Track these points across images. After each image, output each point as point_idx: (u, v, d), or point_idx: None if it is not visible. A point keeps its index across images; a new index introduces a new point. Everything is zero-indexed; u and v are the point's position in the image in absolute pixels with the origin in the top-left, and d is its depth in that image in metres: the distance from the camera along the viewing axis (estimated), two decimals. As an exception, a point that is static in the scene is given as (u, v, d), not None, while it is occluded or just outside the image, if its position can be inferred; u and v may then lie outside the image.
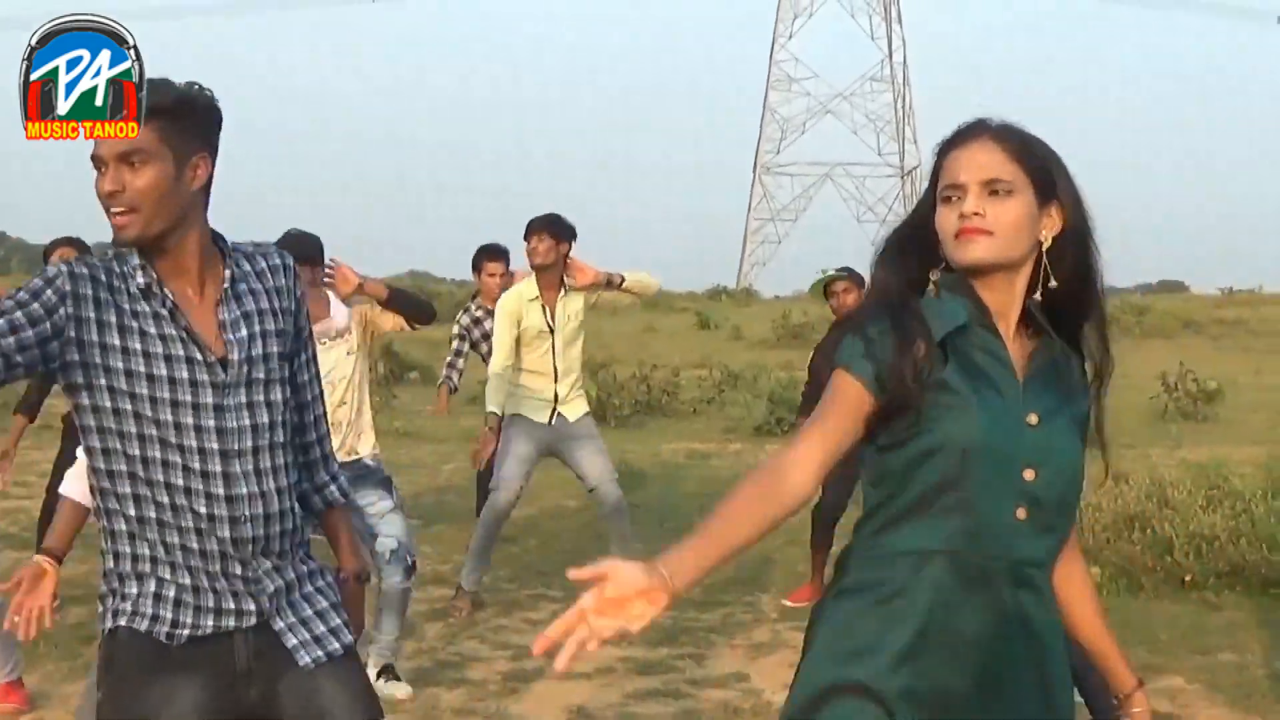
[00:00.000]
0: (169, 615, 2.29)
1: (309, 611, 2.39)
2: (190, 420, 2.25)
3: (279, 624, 2.35)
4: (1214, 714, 4.85)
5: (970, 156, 1.99)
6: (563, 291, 6.19)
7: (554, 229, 6.15)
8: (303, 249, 4.97)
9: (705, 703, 4.88)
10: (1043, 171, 2.01)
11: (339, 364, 4.96)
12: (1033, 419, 1.98)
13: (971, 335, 2.00)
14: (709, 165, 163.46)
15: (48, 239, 5.82)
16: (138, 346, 2.24)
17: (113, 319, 2.23)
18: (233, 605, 2.31)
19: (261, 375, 2.31)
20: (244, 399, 2.29)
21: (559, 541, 7.72)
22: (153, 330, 2.25)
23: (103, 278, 2.25)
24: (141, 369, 2.24)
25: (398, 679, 4.94)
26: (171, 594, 2.29)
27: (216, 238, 2.35)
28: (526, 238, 6.22)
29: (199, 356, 2.26)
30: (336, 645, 2.39)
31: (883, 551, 1.98)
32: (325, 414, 2.54)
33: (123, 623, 2.30)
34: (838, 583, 2.04)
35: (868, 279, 2.12)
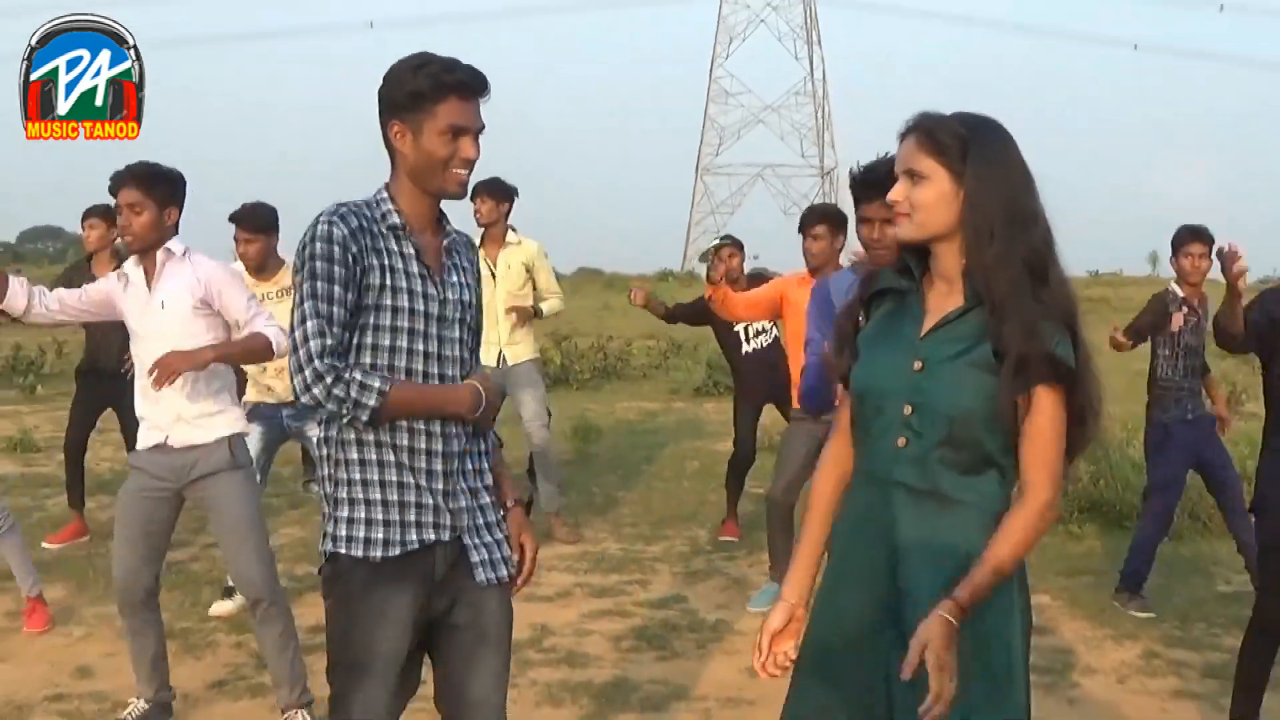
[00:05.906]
0: (379, 537, 2.35)
1: (489, 537, 2.48)
2: (423, 345, 2.39)
3: (468, 540, 2.44)
4: (1074, 626, 5.13)
5: (900, 150, 2.13)
6: (505, 245, 6.43)
7: (495, 192, 6.38)
8: (258, 219, 5.13)
9: (649, 621, 5.13)
10: (954, 155, 2.05)
11: (289, 317, 5.19)
12: (918, 365, 2.08)
13: (892, 296, 2.18)
14: (658, 167, 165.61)
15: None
16: (402, 284, 2.36)
17: (378, 262, 2.34)
18: (432, 519, 2.38)
19: (459, 315, 2.48)
20: (454, 333, 2.45)
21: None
22: (401, 267, 2.37)
23: (363, 224, 2.33)
24: (405, 302, 2.36)
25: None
26: (380, 515, 2.36)
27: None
28: (472, 199, 6.29)
29: (433, 292, 2.42)
30: (505, 572, 2.49)
31: None
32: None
33: (341, 549, 2.36)
34: None
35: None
